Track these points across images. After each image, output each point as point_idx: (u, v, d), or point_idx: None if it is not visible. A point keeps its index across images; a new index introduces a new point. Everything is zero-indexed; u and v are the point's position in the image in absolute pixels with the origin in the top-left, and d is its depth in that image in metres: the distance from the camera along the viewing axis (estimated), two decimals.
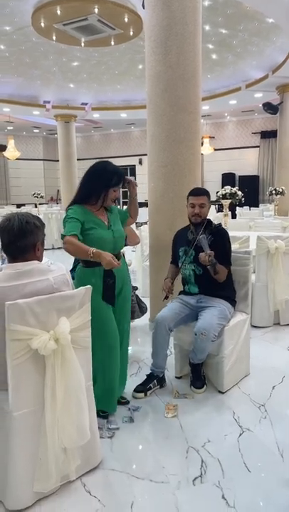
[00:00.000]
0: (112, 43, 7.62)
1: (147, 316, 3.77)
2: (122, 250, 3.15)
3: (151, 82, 3.61)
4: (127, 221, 2.64)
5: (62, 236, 2.23)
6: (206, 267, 2.68)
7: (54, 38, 7.38)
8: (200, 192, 2.89)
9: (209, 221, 2.88)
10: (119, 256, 2.42)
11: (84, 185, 2.39)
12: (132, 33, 7.18)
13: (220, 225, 2.92)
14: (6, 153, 13.84)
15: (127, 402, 2.60)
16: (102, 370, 2.31)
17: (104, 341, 2.31)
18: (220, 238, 2.79)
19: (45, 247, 2.00)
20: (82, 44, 7.66)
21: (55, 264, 1.95)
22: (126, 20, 6.59)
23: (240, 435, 2.28)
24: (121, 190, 2.51)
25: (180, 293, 3.00)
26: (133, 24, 6.77)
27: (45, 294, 1.75)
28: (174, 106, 3.51)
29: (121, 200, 17.51)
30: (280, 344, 3.59)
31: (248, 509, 1.76)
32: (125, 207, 2.73)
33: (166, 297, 2.89)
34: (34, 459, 1.74)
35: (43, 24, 6.76)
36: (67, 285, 1.87)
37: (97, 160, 2.51)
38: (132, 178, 2.58)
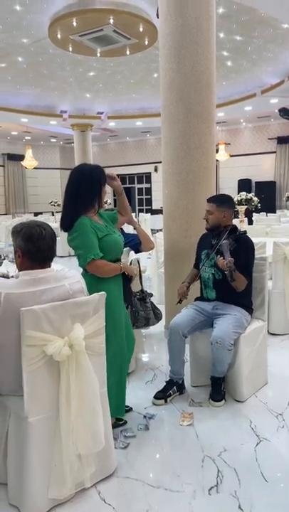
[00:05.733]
0: (128, 52, 7.71)
1: (162, 323, 3.75)
2: (135, 257, 3.17)
3: (165, 90, 3.63)
4: (118, 221, 2.52)
5: (89, 259, 2.14)
6: (225, 273, 2.64)
7: (70, 49, 7.51)
8: (209, 199, 2.88)
9: (235, 227, 2.83)
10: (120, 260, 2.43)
11: (77, 195, 2.22)
12: (146, 43, 7.26)
13: (245, 232, 2.86)
14: (23, 163, 14.11)
15: (130, 409, 2.58)
16: (115, 377, 2.29)
17: (116, 344, 2.30)
18: (243, 246, 2.73)
19: (61, 255, 2.02)
20: (98, 54, 7.78)
21: (70, 271, 1.98)
22: (141, 29, 6.67)
23: (257, 444, 2.24)
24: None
25: (196, 299, 2.98)
26: (148, 33, 6.84)
27: (62, 300, 1.77)
28: (188, 113, 3.52)
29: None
30: None
31: None
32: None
33: (180, 301, 2.87)
34: (50, 465, 1.74)
35: (59, 36, 6.90)
36: (82, 292, 1.89)
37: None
38: (108, 173, 2.41)
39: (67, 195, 2.28)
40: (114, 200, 11.84)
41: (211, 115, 3.63)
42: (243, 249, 2.73)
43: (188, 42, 3.45)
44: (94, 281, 2.23)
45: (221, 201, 2.86)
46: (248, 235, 2.86)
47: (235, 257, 2.58)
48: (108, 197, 15.36)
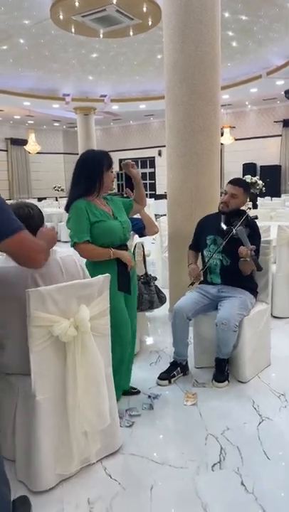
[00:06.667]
0: (131, 33, 7.59)
1: (166, 306, 3.78)
2: (139, 241, 3.18)
3: (169, 71, 3.58)
4: (133, 208, 2.56)
5: (74, 243, 2.23)
6: (235, 258, 2.60)
7: (73, 30, 7.40)
8: (236, 182, 2.82)
9: (247, 214, 2.78)
10: (126, 247, 2.42)
11: (79, 179, 2.31)
12: (150, 23, 7.13)
13: (256, 217, 2.83)
14: (27, 147, 14.05)
15: (138, 392, 2.60)
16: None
17: (116, 332, 2.29)
18: (256, 232, 2.72)
19: (65, 241, 2.08)
20: (101, 35, 7.65)
21: (64, 250, 2.04)
22: (144, 9, 6.54)
23: (259, 423, 2.28)
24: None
25: (200, 282, 2.99)
26: (151, 14, 6.72)
27: (54, 273, 1.83)
28: (192, 95, 3.47)
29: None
30: None
31: (266, 496, 1.76)
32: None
33: (193, 283, 2.84)
34: (57, 442, 1.79)
35: (61, 16, 6.78)
36: (76, 266, 1.94)
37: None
38: (127, 161, 2.50)
39: (72, 179, 2.35)
40: (118, 185, 11.79)
41: (216, 97, 3.59)
42: (256, 235, 2.72)
43: (193, 21, 3.39)
44: (89, 267, 2.30)
45: (247, 186, 2.85)
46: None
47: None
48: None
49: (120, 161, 18.30)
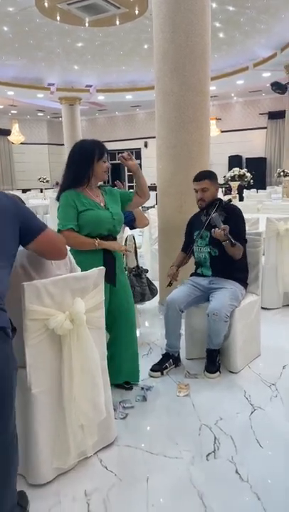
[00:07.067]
0: (117, 22, 7.49)
1: (157, 298, 3.78)
2: (130, 233, 3.16)
3: (159, 61, 3.54)
4: (132, 201, 2.52)
5: (59, 230, 2.24)
6: (223, 248, 2.63)
7: (58, 18, 7.27)
8: (200, 177, 2.86)
9: (221, 200, 2.86)
10: (114, 239, 2.40)
11: (69, 168, 2.31)
12: (137, 12, 7.04)
13: (230, 201, 2.89)
14: (10, 138, 13.80)
15: (131, 388, 2.59)
16: None
17: None
18: (233, 215, 2.76)
19: None
20: (87, 24, 7.54)
21: None
22: None
23: (251, 413, 2.31)
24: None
25: (191, 275, 3.01)
26: (138, 2, 6.64)
27: (43, 261, 1.81)
28: (183, 85, 3.45)
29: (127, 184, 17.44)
30: None
31: (260, 484, 1.79)
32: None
33: (170, 284, 2.89)
34: (53, 435, 1.78)
35: (46, 4, 6.65)
36: None
37: None
38: (123, 153, 2.45)
39: (64, 169, 2.34)
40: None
41: (206, 88, 3.57)
42: (234, 218, 2.75)
43: (183, 10, 3.35)
44: (74, 254, 2.21)
45: (212, 176, 2.88)
46: (233, 203, 2.88)
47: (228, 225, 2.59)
48: None
49: None
